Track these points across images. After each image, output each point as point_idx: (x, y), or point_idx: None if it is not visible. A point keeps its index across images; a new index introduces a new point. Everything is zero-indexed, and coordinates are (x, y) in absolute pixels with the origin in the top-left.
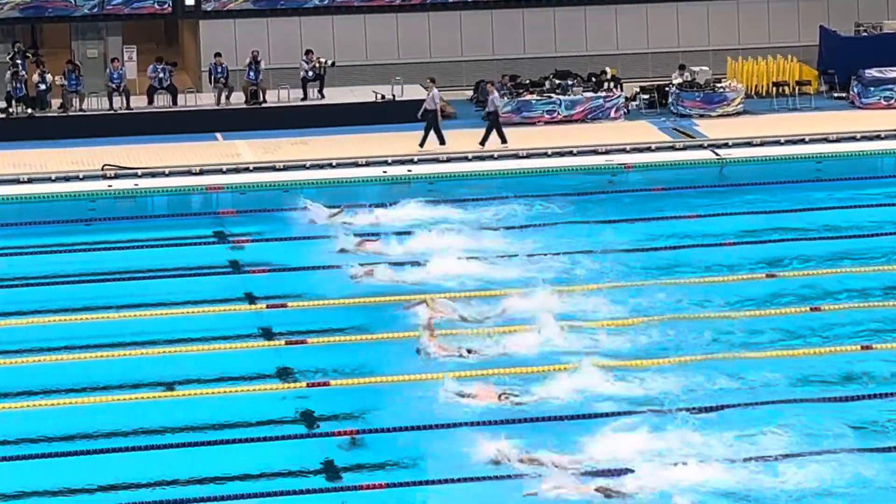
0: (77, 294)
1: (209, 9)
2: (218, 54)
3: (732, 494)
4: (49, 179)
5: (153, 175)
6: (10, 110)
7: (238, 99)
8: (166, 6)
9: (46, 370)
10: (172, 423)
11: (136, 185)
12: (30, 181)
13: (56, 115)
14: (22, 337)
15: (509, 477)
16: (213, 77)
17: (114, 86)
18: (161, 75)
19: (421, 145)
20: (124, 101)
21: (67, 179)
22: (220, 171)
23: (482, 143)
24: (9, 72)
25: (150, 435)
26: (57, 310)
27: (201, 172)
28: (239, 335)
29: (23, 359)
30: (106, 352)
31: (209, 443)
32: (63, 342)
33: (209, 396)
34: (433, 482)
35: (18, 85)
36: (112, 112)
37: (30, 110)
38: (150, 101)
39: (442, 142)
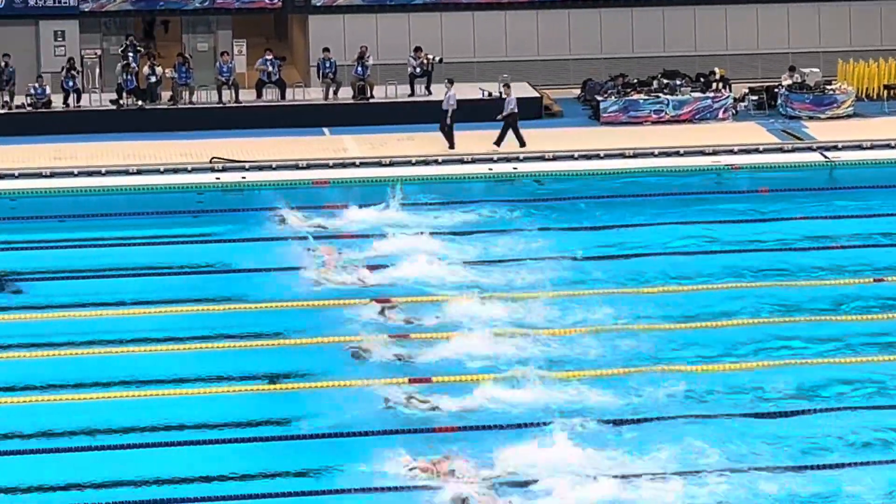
0: (182, 285)
1: (318, 4)
2: (326, 49)
3: None
4: (158, 171)
5: (260, 168)
6: (121, 102)
7: (346, 94)
8: (276, 1)
9: (152, 360)
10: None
11: (244, 178)
12: (139, 172)
13: (166, 107)
14: (130, 327)
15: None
16: (321, 72)
17: (223, 79)
18: (270, 69)
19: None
20: (233, 95)
21: (176, 171)
22: (327, 166)
23: (497, 143)
24: (120, 64)
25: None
26: (162, 301)
27: (308, 167)
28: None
29: (126, 348)
30: (212, 343)
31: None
32: (165, 333)
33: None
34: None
35: (129, 77)
36: (221, 105)
37: (140, 102)
38: (259, 95)
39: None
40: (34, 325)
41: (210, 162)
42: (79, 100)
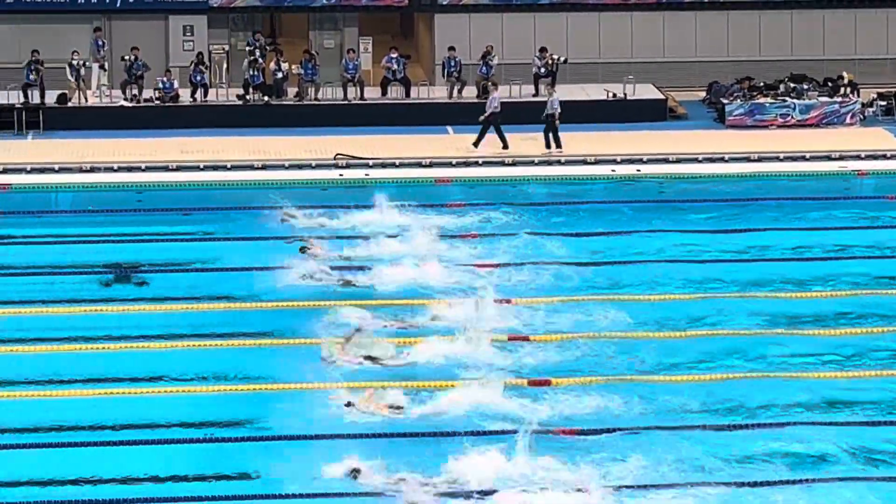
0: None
1: (445, 3)
2: (452, 48)
3: None
4: (283, 167)
5: (383, 166)
6: (248, 98)
7: (470, 93)
8: None
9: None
10: None
11: (367, 174)
12: (264, 167)
13: (291, 103)
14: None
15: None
16: (446, 70)
17: (349, 76)
18: (395, 67)
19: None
20: (358, 92)
21: (300, 167)
22: (450, 164)
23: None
24: (247, 60)
25: None
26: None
27: (431, 165)
28: None
29: (248, 341)
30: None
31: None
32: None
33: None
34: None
35: (256, 73)
36: (346, 102)
37: (266, 98)
38: (384, 93)
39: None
40: (156, 316)
41: (334, 158)
42: (206, 94)
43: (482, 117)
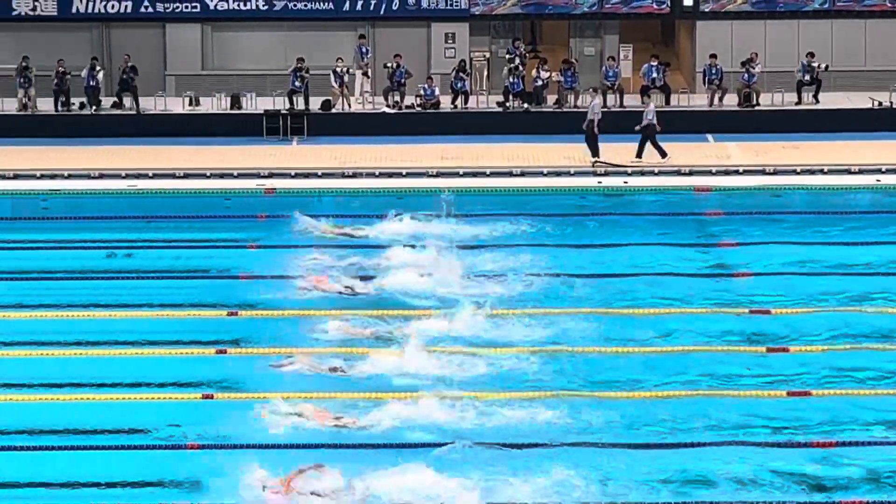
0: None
1: (707, 9)
2: (713, 55)
3: None
4: (541, 174)
5: (642, 173)
6: (507, 105)
7: (731, 101)
8: (664, 6)
9: None
10: None
11: (626, 182)
12: (522, 174)
13: (551, 110)
14: None
15: None
16: (706, 78)
17: (608, 84)
18: (655, 74)
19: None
20: (618, 100)
21: (559, 174)
22: (710, 173)
23: (637, 155)
24: (507, 67)
25: None
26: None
27: (691, 173)
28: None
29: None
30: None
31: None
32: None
33: None
34: None
35: (516, 80)
36: (604, 110)
37: (525, 105)
38: (643, 101)
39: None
40: None
41: (592, 166)
42: (466, 101)
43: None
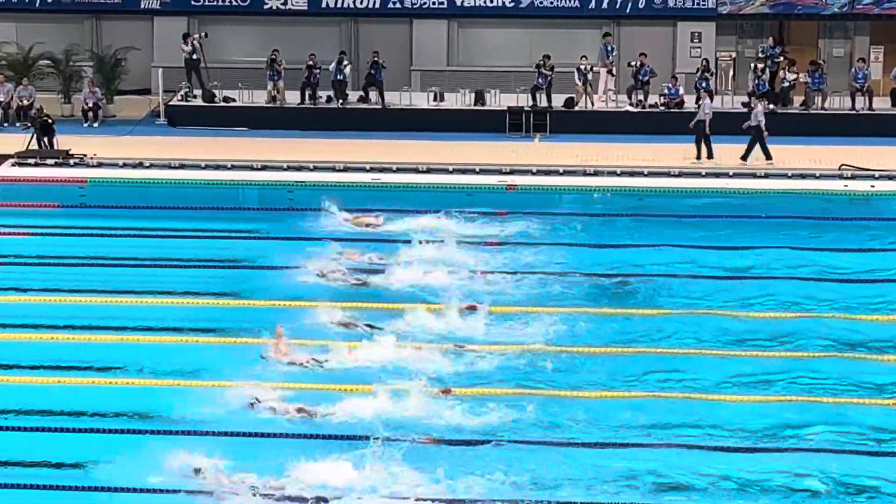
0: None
1: None
2: None
3: None
4: (785, 175)
5: (890, 178)
6: (750, 105)
7: None
8: None
9: None
10: None
11: (872, 186)
12: (766, 176)
13: (797, 111)
14: None
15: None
16: None
17: (857, 86)
18: None
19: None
20: (866, 102)
21: (804, 177)
22: None
23: (743, 157)
24: (753, 67)
25: None
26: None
27: None
28: None
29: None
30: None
31: None
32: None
33: None
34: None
35: (762, 81)
36: (853, 112)
37: (771, 106)
38: (894, 103)
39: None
40: None
41: (839, 169)
42: (711, 100)
43: (691, 123)
